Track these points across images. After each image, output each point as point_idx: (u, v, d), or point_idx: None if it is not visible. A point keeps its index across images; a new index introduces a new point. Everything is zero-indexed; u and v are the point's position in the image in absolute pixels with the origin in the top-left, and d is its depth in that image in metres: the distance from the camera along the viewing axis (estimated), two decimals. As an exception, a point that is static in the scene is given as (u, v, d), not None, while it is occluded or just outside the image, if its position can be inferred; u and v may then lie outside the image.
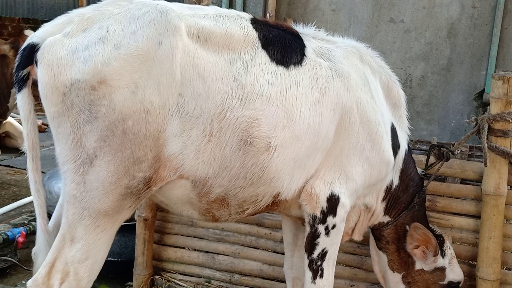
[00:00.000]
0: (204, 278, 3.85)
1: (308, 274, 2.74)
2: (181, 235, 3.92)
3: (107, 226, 2.32)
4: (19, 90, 2.28)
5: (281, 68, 2.49)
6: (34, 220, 4.48)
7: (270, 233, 3.71)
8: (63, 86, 2.16)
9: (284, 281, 3.68)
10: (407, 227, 2.95)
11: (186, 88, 2.27)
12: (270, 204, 2.64)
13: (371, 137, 2.65)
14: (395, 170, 2.90)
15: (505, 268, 3.28)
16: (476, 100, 4.83)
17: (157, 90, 2.22)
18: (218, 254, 3.83)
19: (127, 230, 4.07)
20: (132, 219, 3.92)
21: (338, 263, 3.61)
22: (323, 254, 2.70)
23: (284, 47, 2.55)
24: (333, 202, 2.64)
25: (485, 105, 4.75)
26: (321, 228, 2.67)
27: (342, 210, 2.66)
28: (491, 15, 4.70)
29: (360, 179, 2.68)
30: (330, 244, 2.71)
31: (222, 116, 2.34)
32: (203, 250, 3.87)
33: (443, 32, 4.82)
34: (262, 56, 2.47)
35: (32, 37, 2.27)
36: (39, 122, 6.92)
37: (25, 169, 6.27)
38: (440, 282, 2.97)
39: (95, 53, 2.16)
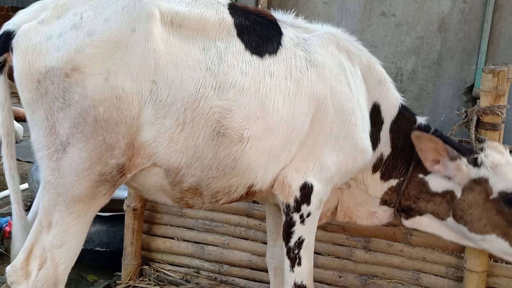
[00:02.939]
0: (193, 268, 3.85)
1: (287, 263, 2.75)
2: (170, 226, 3.91)
3: (81, 212, 2.34)
4: None
5: (255, 58, 2.47)
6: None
7: (260, 224, 3.70)
8: (37, 73, 2.19)
9: (273, 272, 3.70)
10: (420, 175, 2.89)
11: (159, 75, 2.27)
12: (244, 195, 2.64)
13: (345, 126, 2.63)
14: (383, 144, 2.89)
15: (492, 260, 3.31)
16: (466, 94, 4.87)
17: (130, 76, 2.23)
18: (207, 244, 3.83)
19: (115, 221, 4.07)
20: (121, 209, 3.92)
21: (327, 254, 3.63)
22: (299, 242, 2.70)
23: (260, 35, 2.52)
24: (306, 190, 2.63)
25: (474, 100, 4.78)
26: (296, 216, 2.67)
27: (316, 198, 2.65)
28: (481, 10, 4.73)
29: (334, 168, 2.66)
30: (306, 232, 2.71)
31: (196, 105, 2.33)
32: (192, 240, 3.87)
33: (434, 27, 4.84)
34: (237, 44, 2.44)
35: (7, 24, 2.28)
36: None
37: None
38: (491, 197, 2.71)
39: (68, 40, 2.18)
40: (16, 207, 2.42)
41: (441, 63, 4.86)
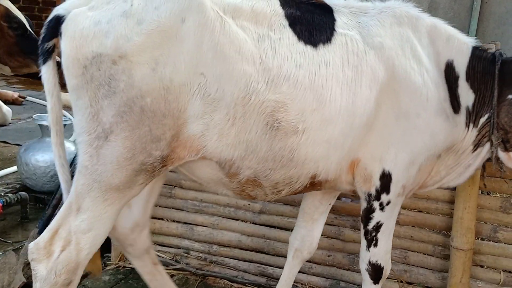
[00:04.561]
0: (182, 249, 3.87)
1: (364, 243, 2.78)
2: (160, 206, 3.91)
3: (115, 200, 2.30)
4: (44, 62, 2.28)
5: (309, 48, 2.40)
6: (11, 191, 4.44)
7: (249, 204, 3.72)
8: (84, 59, 2.16)
9: (262, 252, 3.73)
10: (509, 96, 2.66)
11: (208, 68, 2.21)
12: (309, 185, 2.59)
13: (415, 103, 2.53)
14: (464, 97, 2.69)
15: (479, 238, 3.35)
16: (455, 74, 4.86)
17: (178, 68, 2.18)
18: (197, 225, 3.84)
19: (105, 202, 4.05)
20: (110, 190, 3.91)
21: (316, 234, 3.65)
22: (378, 226, 2.71)
23: (312, 24, 2.46)
24: (385, 180, 2.60)
25: (464, 79, 4.78)
26: (376, 204, 2.67)
27: (395, 187, 2.61)
28: (472, -12, 4.71)
29: (410, 149, 2.57)
30: (386, 217, 2.70)
31: (247, 100, 2.27)
32: (181, 221, 3.88)
33: (423, 6, 4.79)
34: (290, 35, 2.38)
35: (57, 9, 2.27)
36: (16, 94, 6.77)
37: (2, 141, 6.14)
38: None
39: (117, 27, 2.15)
40: (66, 196, 2.39)
41: (430, 43, 4.84)
